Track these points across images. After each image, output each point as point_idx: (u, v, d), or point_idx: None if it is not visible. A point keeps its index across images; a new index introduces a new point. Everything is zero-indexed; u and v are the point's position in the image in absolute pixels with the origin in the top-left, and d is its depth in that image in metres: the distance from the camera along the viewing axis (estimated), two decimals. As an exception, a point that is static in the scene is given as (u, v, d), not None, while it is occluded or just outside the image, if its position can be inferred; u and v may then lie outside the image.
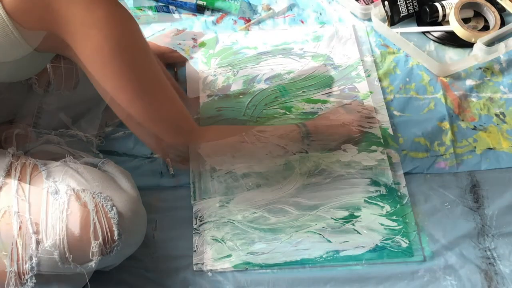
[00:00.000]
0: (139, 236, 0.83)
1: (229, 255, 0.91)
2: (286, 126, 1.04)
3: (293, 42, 1.27)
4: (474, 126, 1.11)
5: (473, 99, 1.16)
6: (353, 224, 0.95)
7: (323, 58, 1.23)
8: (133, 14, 1.28)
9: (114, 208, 0.76)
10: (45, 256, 0.72)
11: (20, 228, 0.73)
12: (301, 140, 1.00)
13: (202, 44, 1.28)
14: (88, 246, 0.74)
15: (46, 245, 0.73)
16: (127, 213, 0.77)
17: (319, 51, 1.25)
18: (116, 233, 0.75)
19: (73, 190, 0.76)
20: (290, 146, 1.00)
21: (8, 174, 0.78)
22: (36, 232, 0.73)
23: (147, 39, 1.26)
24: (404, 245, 0.92)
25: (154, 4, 1.36)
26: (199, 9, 1.35)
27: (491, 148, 1.07)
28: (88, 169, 0.80)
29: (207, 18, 1.34)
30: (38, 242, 0.73)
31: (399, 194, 0.99)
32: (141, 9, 1.34)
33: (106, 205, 0.76)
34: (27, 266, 0.72)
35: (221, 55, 1.25)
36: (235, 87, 1.18)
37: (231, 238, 0.93)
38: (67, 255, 0.73)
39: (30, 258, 0.72)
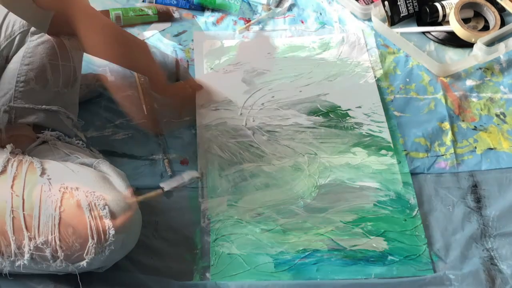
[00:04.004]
0: (132, 237, 0.82)
1: (238, 255, 0.91)
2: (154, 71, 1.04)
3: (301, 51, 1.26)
4: (475, 126, 1.11)
5: (474, 99, 1.16)
6: (362, 228, 0.94)
7: None
8: (133, 14, 1.30)
9: (106, 207, 0.76)
10: (37, 253, 0.72)
11: (13, 224, 0.73)
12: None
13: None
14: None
15: (38, 242, 0.73)
16: (120, 213, 0.77)
17: (328, 58, 1.23)
18: (109, 232, 0.75)
19: (67, 188, 0.76)
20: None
21: (4, 170, 0.78)
22: (28, 229, 0.73)
23: (147, 40, 1.27)
24: (412, 250, 0.92)
25: (154, 4, 1.35)
26: (199, 10, 1.35)
27: (491, 148, 1.07)
28: (82, 168, 0.80)
29: (207, 18, 1.34)
30: (30, 239, 0.73)
31: (409, 205, 0.97)
32: (141, 9, 1.33)
33: (99, 204, 0.75)
34: (18, 263, 0.72)
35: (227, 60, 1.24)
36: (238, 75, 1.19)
37: (239, 238, 0.93)
38: (58, 253, 0.73)
39: (22, 255, 0.72)
